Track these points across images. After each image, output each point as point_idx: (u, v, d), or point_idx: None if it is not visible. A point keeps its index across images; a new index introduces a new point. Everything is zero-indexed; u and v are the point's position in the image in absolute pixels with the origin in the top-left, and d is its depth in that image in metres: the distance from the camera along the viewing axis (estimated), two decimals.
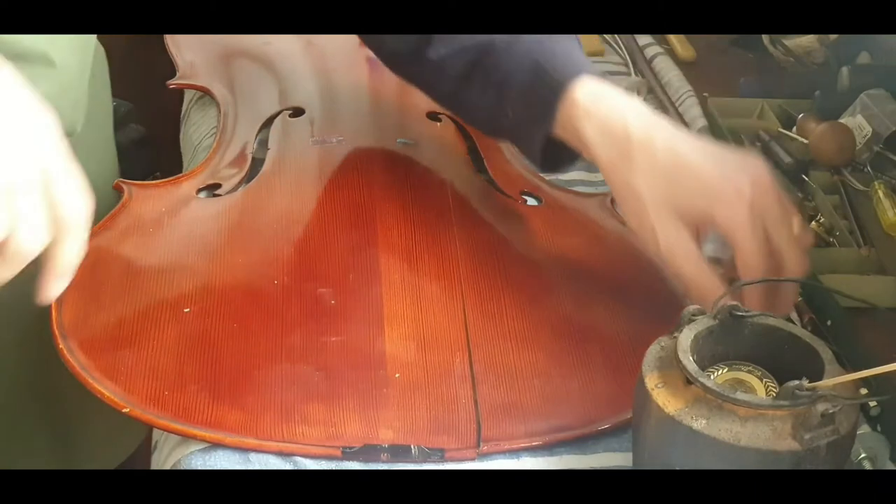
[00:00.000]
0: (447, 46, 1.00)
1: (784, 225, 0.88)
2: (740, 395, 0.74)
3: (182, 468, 0.83)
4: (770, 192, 0.89)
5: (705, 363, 0.79)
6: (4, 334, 1.12)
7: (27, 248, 0.75)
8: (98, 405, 0.85)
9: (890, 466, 0.85)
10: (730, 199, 0.87)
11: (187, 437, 0.84)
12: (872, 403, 0.86)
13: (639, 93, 1.34)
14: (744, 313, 0.80)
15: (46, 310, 0.91)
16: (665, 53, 1.40)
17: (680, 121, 1.26)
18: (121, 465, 1.29)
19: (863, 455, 0.84)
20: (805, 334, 0.79)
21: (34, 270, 1.00)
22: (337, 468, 0.83)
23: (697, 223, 0.89)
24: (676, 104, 1.31)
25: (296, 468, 0.83)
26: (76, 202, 0.77)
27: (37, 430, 1.22)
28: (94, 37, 1.11)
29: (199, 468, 0.82)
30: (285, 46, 1.31)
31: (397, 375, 0.88)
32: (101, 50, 1.21)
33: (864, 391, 0.82)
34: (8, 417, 1.18)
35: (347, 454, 0.83)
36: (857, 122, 1.19)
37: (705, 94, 1.31)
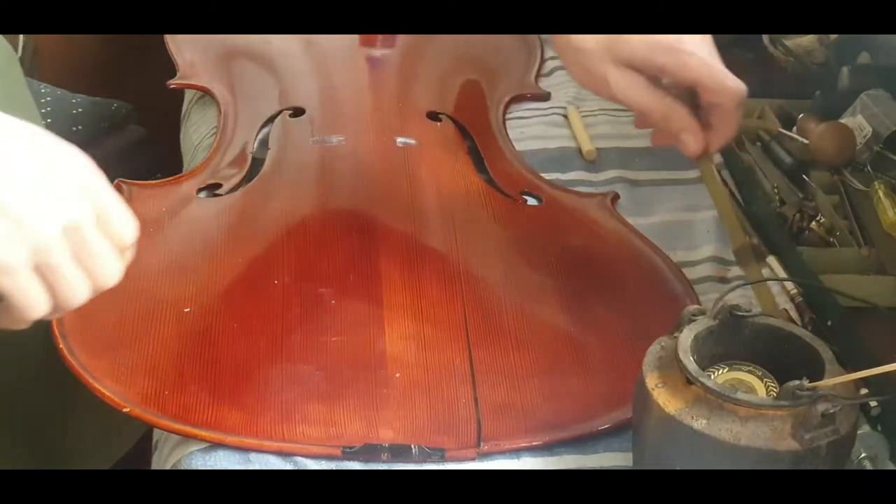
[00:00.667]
0: None
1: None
2: (740, 395, 0.74)
3: (182, 468, 0.83)
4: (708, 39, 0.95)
5: (705, 363, 0.79)
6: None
7: (109, 281, 0.78)
8: (89, 405, 0.85)
9: (890, 466, 0.85)
10: (668, 45, 0.93)
11: (187, 437, 0.84)
12: (873, 403, 0.87)
13: None
14: (744, 313, 0.80)
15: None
16: None
17: None
18: (116, 464, 1.29)
19: (863, 455, 0.84)
20: (805, 334, 0.79)
21: None
22: (337, 468, 0.83)
23: (642, 69, 0.93)
24: None
25: (296, 468, 0.83)
26: (130, 225, 0.78)
27: (29, 430, 1.22)
28: None
29: (200, 468, 0.82)
30: (285, 46, 1.31)
31: (397, 375, 0.88)
32: (6, 48, 1.16)
33: (864, 391, 0.82)
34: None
35: (348, 454, 0.83)
36: (857, 122, 1.19)
37: None
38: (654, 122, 0.96)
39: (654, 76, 0.93)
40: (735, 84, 0.94)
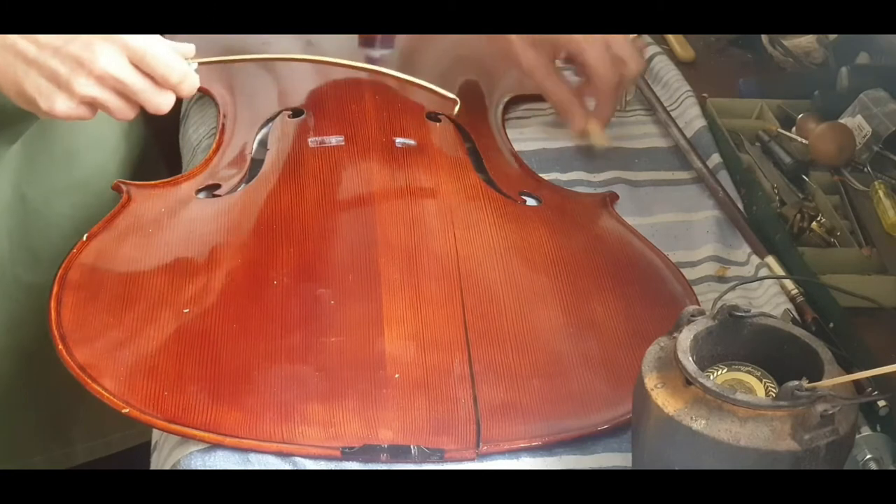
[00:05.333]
0: None
1: (622, 37, 1.16)
2: (739, 396, 0.74)
3: (182, 468, 0.83)
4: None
5: (704, 363, 0.78)
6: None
7: (160, 110, 0.99)
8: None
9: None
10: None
11: (187, 438, 0.84)
12: (882, 404, 0.86)
13: (628, 92, 1.34)
14: (743, 314, 0.80)
15: (44, 309, 0.91)
16: (664, 53, 1.40)
17: (671, 121, 1.26)
18: (116, 464, 1.29)
19: (869, 457, 0.84)
20: (804, 334, 0.79)
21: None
22: (336, 468, 0.83)
23: (550, 51, 1.18)
24: (676, 104, 1.31)
25: (295, 468, 0.83)
26: (170, 63, 0.97)
27: (34, 424, 1.23)
28: None
29: (199, 468, 0.82)
30: (285, 46, 1.31)
31: (397, 376, 0.88)
32: None
33: (870, 390, 0.82)
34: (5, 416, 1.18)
35: (347, 454, 0.83)
36: (856, 123, 1.19)
37: (704, 94, 1.31)
38: (551, 102, 1.19)
39: (550, 55, 1.17)
40: (601, 45, 1.14)
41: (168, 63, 0.96)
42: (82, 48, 0.91)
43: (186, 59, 1.00)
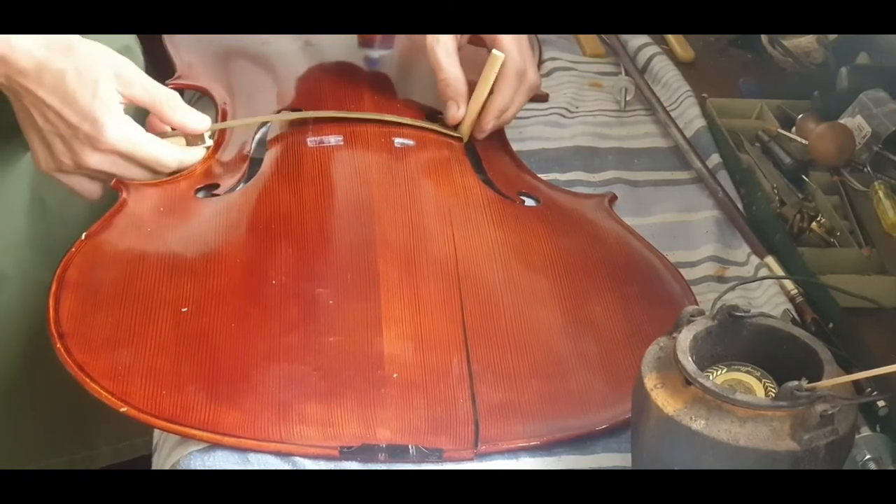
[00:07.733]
0: None
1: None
2: (739, 396, 0.74)
3: (181, 468, 0.83)
4: None
5: (704, 363, 0.78)
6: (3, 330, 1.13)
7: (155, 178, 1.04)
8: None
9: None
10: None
11: (185, 438, 0.84)
12: (881, 404, 0.86)
13: (628, 92, 1.34)
14: (743, 314, 0.80)
15: (43, 308, 0.91)
16: (663, 53, 1.40)
17: (671, 121, 1.26)
18: (115, 464, 1.29)
19: (868, 457, 0.84)
20: (804, 334, 0.79)
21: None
22: (335, 468, 0.83)
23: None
24: (675, 104, 1.31)
25: (294, 468, 0.82)
26: (158, 158, 1.03)
27: (43, 426, 1.23)
28: None
29: (198, 468, 0.82)
30: (284, 46, 1.31)
31: (395, 375, 0.88)
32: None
33: (869, 391, 0.82)
34: (8, 415, 1.18)
35: (345, 454, 0.83)
36: (856, 123, 1.19)
37: (704, 94, 1.31)
38: (438, 83, 1.13)
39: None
40: (512, 44, 1.10)
41: (160, 160, 1.00)
42: (80, 144, 0.96)
43: (202, 131, 1.04)
